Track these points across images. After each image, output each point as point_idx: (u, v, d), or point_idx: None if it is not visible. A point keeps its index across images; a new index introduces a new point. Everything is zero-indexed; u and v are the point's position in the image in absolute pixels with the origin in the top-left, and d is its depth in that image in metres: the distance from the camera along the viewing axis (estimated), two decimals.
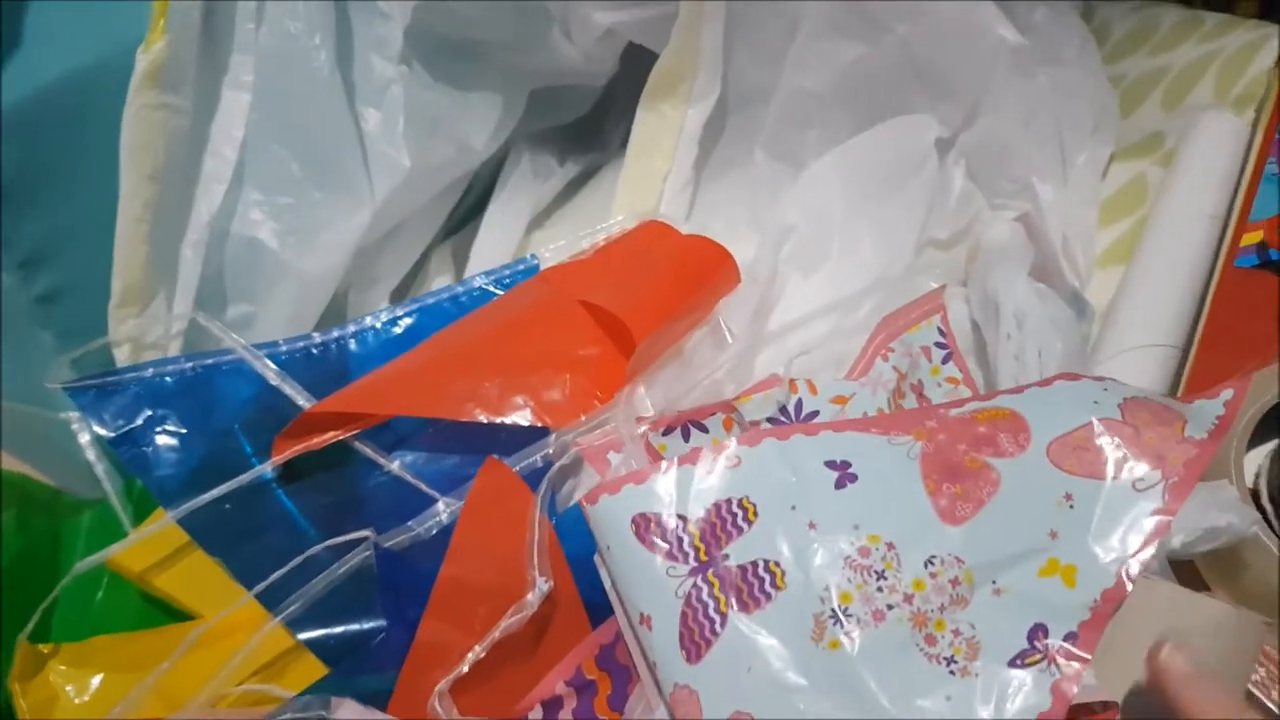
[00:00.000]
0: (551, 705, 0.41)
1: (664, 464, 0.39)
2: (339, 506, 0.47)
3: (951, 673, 0.34)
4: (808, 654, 0.35)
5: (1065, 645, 0.34)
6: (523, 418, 0.46)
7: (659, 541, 0.37)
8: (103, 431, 0.48)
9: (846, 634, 0.35)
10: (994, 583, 0.36)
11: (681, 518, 0.38)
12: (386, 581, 0.42)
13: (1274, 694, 0.38)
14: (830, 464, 0.39)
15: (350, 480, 0.48)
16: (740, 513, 0.38)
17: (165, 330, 0.49)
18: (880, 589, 0.36)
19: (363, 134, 0.51)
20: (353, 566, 0.43)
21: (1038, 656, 0.34)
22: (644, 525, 0.38)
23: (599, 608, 0.42)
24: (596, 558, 0.40)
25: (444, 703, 0.39)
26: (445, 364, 0.48)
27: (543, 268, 0.53)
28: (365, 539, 0.43)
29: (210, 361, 0.49)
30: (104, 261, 0.47)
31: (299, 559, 0.43)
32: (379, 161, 0.50)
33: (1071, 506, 0.37)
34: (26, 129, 0.44)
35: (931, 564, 0.36)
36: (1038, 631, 0.35)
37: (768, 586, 0.36)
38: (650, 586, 0.37)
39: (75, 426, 0.51)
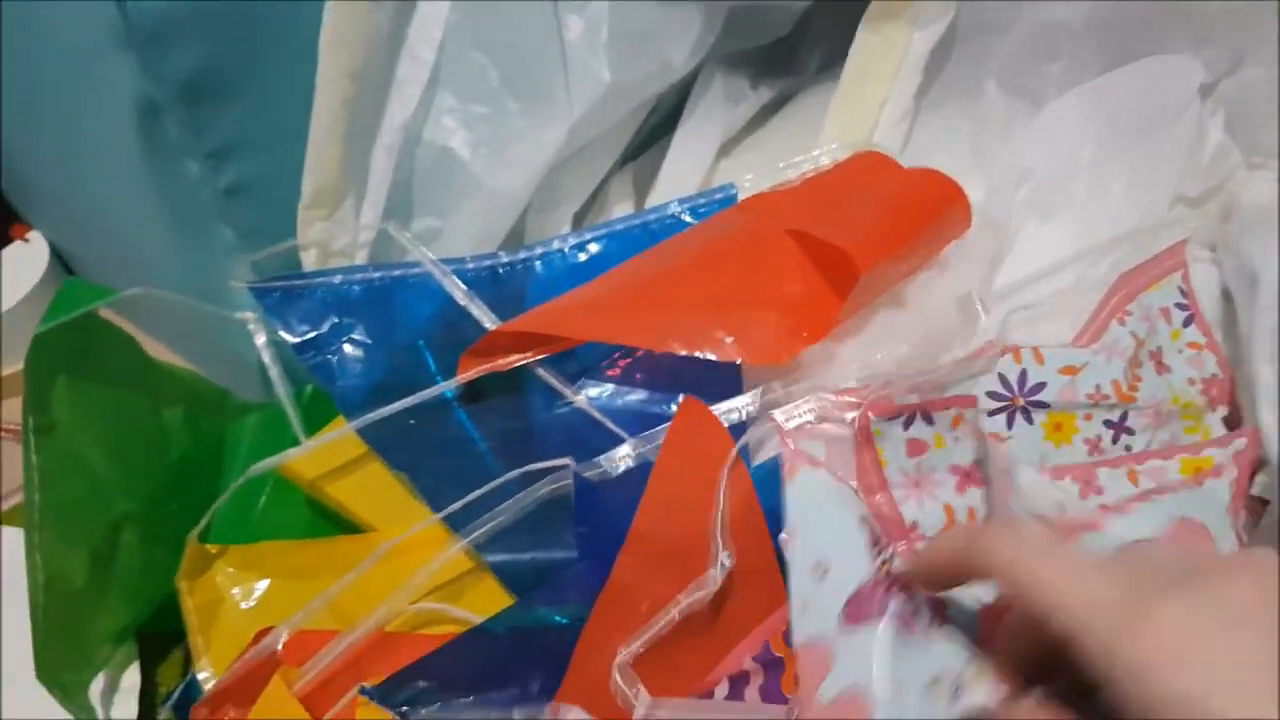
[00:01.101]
0: (738, 680, 0.39)
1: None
2: (519, 433, 0.46)
3: None
4: (920, 690, 0.34)
5: None
6: (723, 355, 0.43)
7: (874, 534, 0.38)
8: (287, 336, 0.46)
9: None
10: None
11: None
12: (582, 513, 0.40)
13: None
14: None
15: (532, 408, 0.46)
16: None
17: (353, 238, 0.47)
18: None
19: (564, 43, 0.48)
20: (543, 495, 0.41)
21: None
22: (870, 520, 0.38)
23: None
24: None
25: (625, 675, 0.37)
26: (639, 292, 0.45)
27: (740, 197, 0.50)
28: (563, 467, 0.41)
29: (398, 273, 0.47)
30: (294, 159, 0.45)
31: (495, 483, 0.41)
32: (579, 74, 0.47)
33: None
34: (221, 19, 0.42)
35: None
36: None
37: (927, 624, 0.35)
38: (846, 548, 0.37)
39: (251, 327, 0.50)
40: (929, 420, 0.41)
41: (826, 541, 0.37)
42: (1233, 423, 0.45)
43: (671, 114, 0.58)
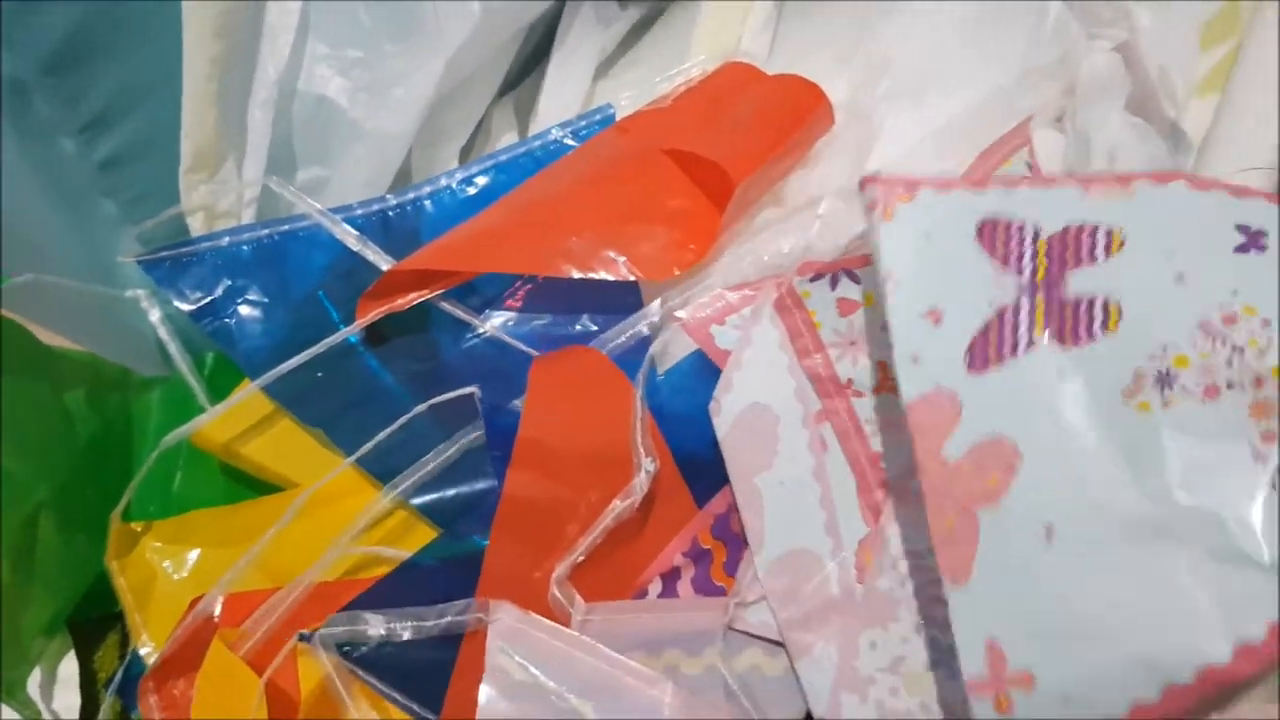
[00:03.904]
0: (670, 577, 0.41)
1: (1049, 176, 0.35)
2: (431, 372, 0.46)
3: (1273, 485, 0.28)
4: (1109, 407, 0.30)
5: None
6: (617, 274, 0.44)
7: (1000, 247, 0.33)
8: (183, 305, 0.46)
9: (1164, 400, 0.30)
10: None
11: (1035, 230, 0.33)
12: (496, 437, 0.42)
13: None
14: (1242, 227, 0.32)
15: (440, 344, 0.47)
16: (1103, 241, 0.32)
17: (238, 197, 0.47)
18: (1229, 363, 0.30)
19: None
20: (468, 442, 0.42)
21: None
22: (991, 229, 0.33)
23: (695, 469, 0.42)
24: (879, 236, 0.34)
25: (564, 589, 0.38)
26: (530, 219, 0.46)
27: (618, 117, 0.51)
28: (469, 394, 0.42)
29: (286, 228, 0.47)
30: (169, 124, 0.45)
31: (402, 420, 0.42)
32: (449, 7, 0.47)
33: None
34: None
35: None
36: None
37: (1096, 326, 0.31)
38: (964, 285, 0.33)
39: (144, 304, 0.49)
40: (854, 279, 0.41)
41: (938, 282, 0.33)
42: None
43: (546, 40, 0.58)
